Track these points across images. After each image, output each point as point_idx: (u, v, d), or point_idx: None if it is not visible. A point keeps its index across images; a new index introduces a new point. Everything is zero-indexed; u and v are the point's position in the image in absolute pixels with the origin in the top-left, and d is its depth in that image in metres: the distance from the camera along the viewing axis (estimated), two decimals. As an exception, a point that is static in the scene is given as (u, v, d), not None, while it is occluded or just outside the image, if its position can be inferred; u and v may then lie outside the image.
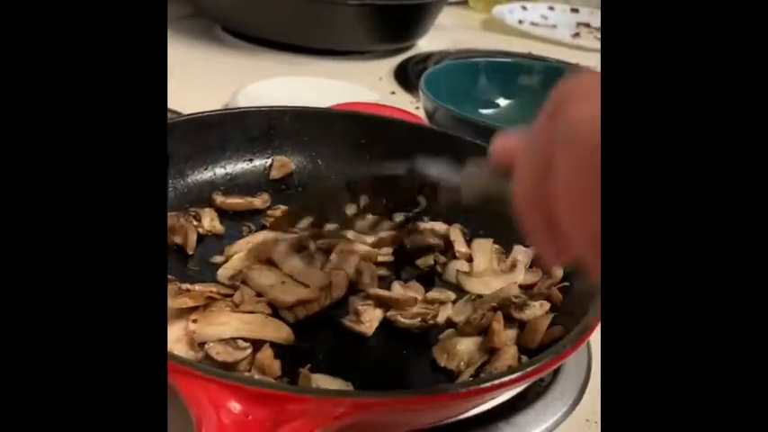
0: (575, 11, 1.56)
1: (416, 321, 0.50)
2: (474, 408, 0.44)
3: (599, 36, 1.31)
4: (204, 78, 0.97)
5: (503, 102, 0.91)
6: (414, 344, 0.50)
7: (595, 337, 0.43)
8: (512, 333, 0.49)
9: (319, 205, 0.60)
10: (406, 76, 1.08)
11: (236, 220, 0.60)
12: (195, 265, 0.55)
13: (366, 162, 0.67)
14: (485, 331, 0.49)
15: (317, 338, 0.49)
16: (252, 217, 0.61)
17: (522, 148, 0.34)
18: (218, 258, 0.55)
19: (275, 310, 0.49)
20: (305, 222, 0.60)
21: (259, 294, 0.50)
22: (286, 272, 0.52)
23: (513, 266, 0.56)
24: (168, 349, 0.44)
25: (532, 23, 1.47)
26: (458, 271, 0.56)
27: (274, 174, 0.65)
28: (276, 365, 0.44)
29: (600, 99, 0.28)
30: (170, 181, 0.60)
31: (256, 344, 0.46)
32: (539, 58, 1.18)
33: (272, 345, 0.46)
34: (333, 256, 0.55)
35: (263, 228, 0.60)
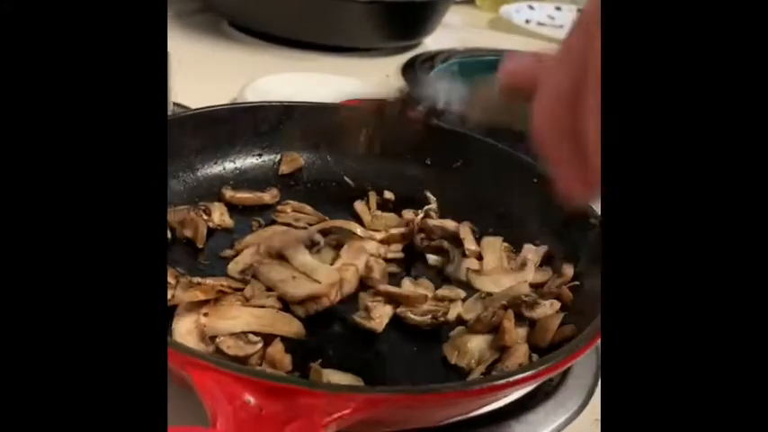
0: (581, 12, 1.55)
1: (427, 318, 0.50)
2: (486, 405, 0.44)
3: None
4: (211, 73, 0.97)
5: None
6: (424, 341, 0.50)
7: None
8: (522, 331, 0.49)
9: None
10: (414, 74, 1.07)
11: (246, 215, 0.60)
12: (205, 258, 0.55)
13: (375, 158, 0.67)
14: (495, 329, 0.49)
15: (327, 334, 0.49)
16: (261, 212, 0.61)
17: (546, 67, 0.32)
18: (227, 252, 0.55)
19: (286, 305, 0.49)
20: (313, 218, 0.60)
21: (269, 289, 0.50)
22: (297, 267, 0.52)
23: (523, 265, 0.56)
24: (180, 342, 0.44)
25: (539, 23, 1.47)
26: (468, 269, 0.55)
27: (283, 169, 0.65)
28: (287, 360, 0.44)
29: None
30: (179, 174, 0.60)
31: (267, 338, 0.45)
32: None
33: (283, 339, 0.46)
34: (343, 252, 0.55)
35: (273, 222, 0.59)
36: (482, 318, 0.49)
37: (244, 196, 0.61)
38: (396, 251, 0.58)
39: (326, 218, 0.60)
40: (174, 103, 0.75)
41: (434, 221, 0.60)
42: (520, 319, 0.49)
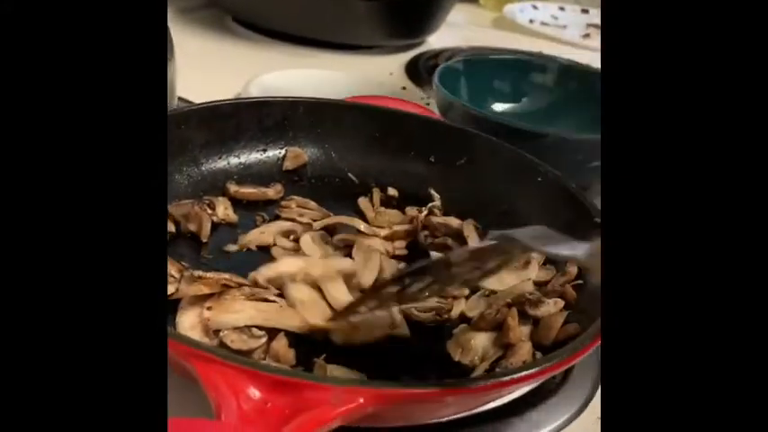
0: (585, 12, 1.55)
1: (431, 315, 0.50)
2: (489, 402, 0.44)
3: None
4: (215, 69, 0.97)
5: (516, 99, 0.91)
6: (427, 337, 0.50)
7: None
8: (526, 329, 0.49)
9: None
10: (417, 72, 1.08)
11: (250, 210, 0.60)
12: (209, 253, 0.55)
13: (379, 155, 0.67)
14: (499, 327, 0.49)
15: (331, 329, 0.49)
16: (265, 207, 0.61)
17: None
18: (231, 247, 0.55)
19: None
20: (317, 214, 0.60)
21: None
22: (328, 300, 0.49)
23: (527, 263, 0.56)
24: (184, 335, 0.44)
25: (543, 23, 1.47)
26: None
27: (288, 165, 0.65)
28: (291, 354, 0.44)
29: None
30: (184, 169, 0.60)
31: (271, 332, 0.45)
32: (550, 57, 1.18)
33: (287, 334, 0.46)
34: (355, 254, 0.54)
35: (277, 218, 0.59)
36: (486, 315, 0.49)
37: (248, 191, 0.61)
38: (399, 248, 0.58)
39: (330, 214, 0.60)
40: (179, 98, 0.75)
41: (438, 219, 0.60)
42: (523, 316, 0.49)
